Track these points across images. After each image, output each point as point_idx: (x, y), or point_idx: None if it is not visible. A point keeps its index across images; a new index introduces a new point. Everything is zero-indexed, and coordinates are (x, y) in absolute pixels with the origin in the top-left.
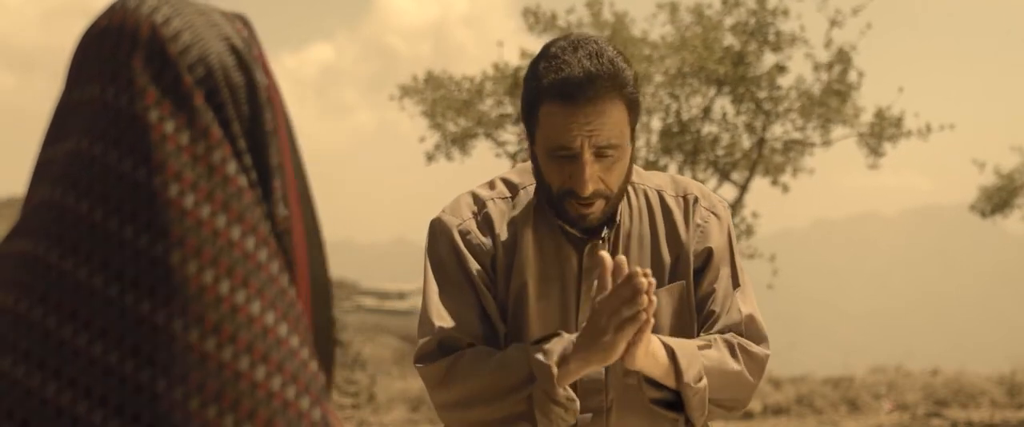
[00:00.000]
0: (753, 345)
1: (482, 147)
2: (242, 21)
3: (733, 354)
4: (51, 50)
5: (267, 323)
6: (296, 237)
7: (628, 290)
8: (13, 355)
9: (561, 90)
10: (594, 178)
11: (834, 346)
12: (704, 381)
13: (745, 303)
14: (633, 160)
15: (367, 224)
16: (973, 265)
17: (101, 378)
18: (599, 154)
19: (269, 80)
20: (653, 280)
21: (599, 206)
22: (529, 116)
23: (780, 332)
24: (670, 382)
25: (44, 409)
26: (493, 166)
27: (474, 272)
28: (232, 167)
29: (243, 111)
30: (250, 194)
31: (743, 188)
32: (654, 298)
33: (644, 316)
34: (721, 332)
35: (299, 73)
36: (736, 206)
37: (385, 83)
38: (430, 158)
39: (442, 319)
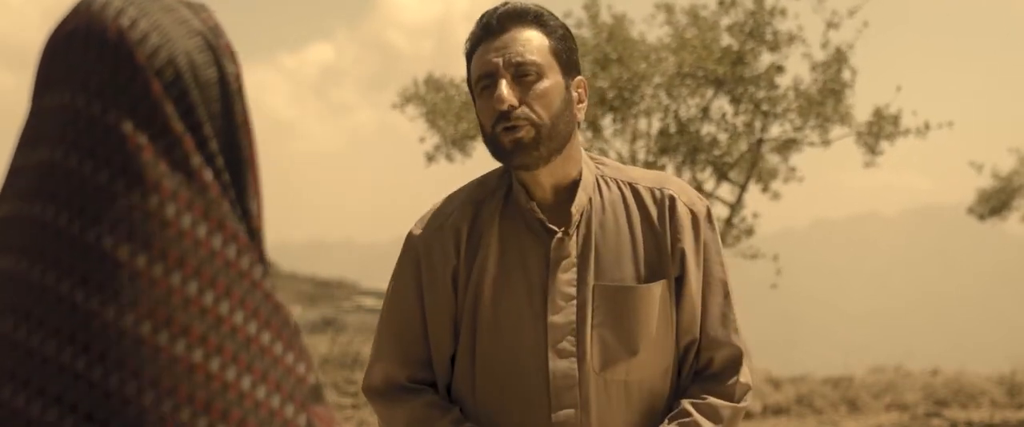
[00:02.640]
0: (729, 403)
1: (482, 148)
2: (207, 11)
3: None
4: None
5: (250, 332)
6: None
7: None
8: (11, 381)
9: (482, 28)
10: (512, 95)
11: (834, 346)
12: None
13: (732, 300)
14: (571, 107)
15: (367, 224)
16: (973, 265)
17: (86, 393)
18: (519, 73)
19: (237, 69)
20: None
21: (529, 132)
22: (469, 76)
23: (780, 332)
24: None
25: None
26: (493, 167)
27: (435, 290)
28: (209, 174)
29: (214, 109)
30: (228, 200)
31: (742, 188)
32: None
33: None
34: (717, 370)
35: (299, 73)
36: (735, 206)
37: (386, 82)
38: (430, 159)
39: (390, 347)
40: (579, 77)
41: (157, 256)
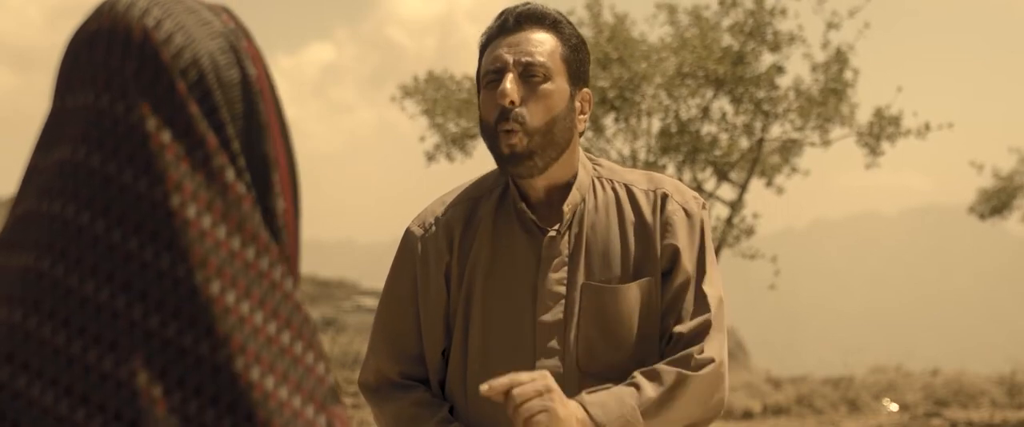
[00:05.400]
0: (676, 369)
1: (482, 147)
2: (228, 12)
3: (671, 391)
4: (53, 50)
5: (270, 332)
6: (289, 228)
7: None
8: (27, 373)
9: (499, 24)
10: (515, 90)
11: (834, 346)
12: None
13: (711, 288)
14: (572, 116)
15: (367, 224)
16: (973, 265)
17: (113, 392)
18: (526, 73)
19: (259, 70)
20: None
21: (522, 140)
22: (478, 70)
23: (780, 332)
24: None
25: (58, 425)
26: (493, 166)
27: (429, 286)
28: (230, 174)
29: (237, 110)
30: (248, 201)
31: (743, 188)
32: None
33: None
34: (686, 342)
35: (299, 72)
36: (736, 206)
37: (387, 81)
38: (430, 158)
39: (384, 343)
40: (586, 89)
41: (180, 256)
